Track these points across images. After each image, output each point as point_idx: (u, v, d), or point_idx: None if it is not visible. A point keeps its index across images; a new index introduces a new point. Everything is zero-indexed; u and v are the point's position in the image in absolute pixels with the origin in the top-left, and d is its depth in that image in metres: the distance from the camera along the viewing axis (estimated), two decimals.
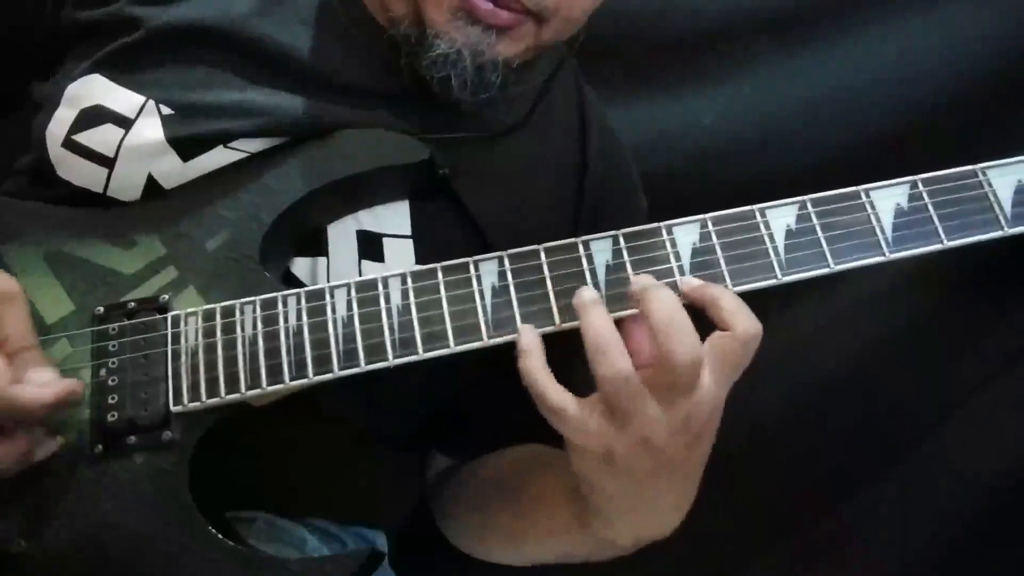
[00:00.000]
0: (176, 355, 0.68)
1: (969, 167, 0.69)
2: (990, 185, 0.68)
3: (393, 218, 0.76)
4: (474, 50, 0.72)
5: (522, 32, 0.74)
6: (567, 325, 0.65)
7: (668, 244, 0.67)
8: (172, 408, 0.67)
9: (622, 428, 0.60)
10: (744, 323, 0.61)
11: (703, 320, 0.62)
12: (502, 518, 0.82)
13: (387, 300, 0.67)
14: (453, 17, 0.71)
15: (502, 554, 0.85)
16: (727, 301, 0.62)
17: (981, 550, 1.17)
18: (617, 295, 0.66)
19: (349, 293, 0.68)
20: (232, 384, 0.66)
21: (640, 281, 0.62)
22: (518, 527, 0.81)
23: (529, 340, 0.62)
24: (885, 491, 1.18)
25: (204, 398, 0.66)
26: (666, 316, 0.59)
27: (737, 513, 1.17)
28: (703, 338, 0.60)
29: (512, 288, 0.67)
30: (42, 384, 0.61)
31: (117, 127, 0.74)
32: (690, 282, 0.65)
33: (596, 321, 0.60)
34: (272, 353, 0.67)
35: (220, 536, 0.65)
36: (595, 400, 0.61)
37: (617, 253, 0.67)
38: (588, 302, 0.62)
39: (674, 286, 0.66)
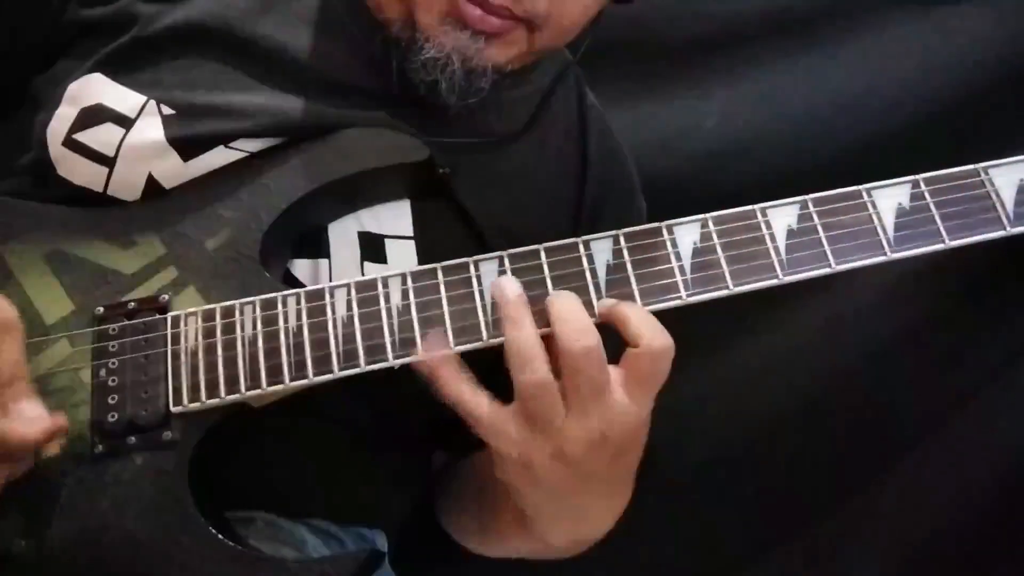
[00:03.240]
0: (176, 355, 0.68)
1: (971, 166, 0.69)
2: (992, 184, 0.68)
3: (395, 219, 0.76)
4: (463, 55, 0.72)
5: (513, 39, 0.74)
6: None
7: (669, 244, 0.67)
8: (172, 408, 0.66)
9: (539, 436, 0.61)
10: (650, 338, 0.62)
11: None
12: (470, 515, 0.86)
13: (387, 300, 0.67)
14: (442, 22, 0.72)
15: (476, 547, 0.88)
16: (635, 317, 0.63)
17: (981, 550, 1.17)
18: (618, 295, 0.66)
19: (349, 293, 0.68)
20: (232, 384, 0.66)
21: (505, 291, 0.63)
22: (479, 524, 0.84)
23: (440, 353, 0.63)
24: (885, 491, 1.18)
25: (204, 398, 0.66)
26: (561, 310, 0.61)
27: (737, 513, 1.17)
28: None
29: None
30: (29, 420, 0.60)
31: (118, 126, 0.74)
32: (604, 303, 0.65)
33: (521, 325, 0.62)
34: (272, 353, 0.67)
35: (220, 536, 0.65)
36: (514, 408, 0.62)
37: (617, 253, 0.67)
38: (514, 301, 0.63)
39: (674, 287, 0.66)
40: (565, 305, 0.62)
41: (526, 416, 0.61)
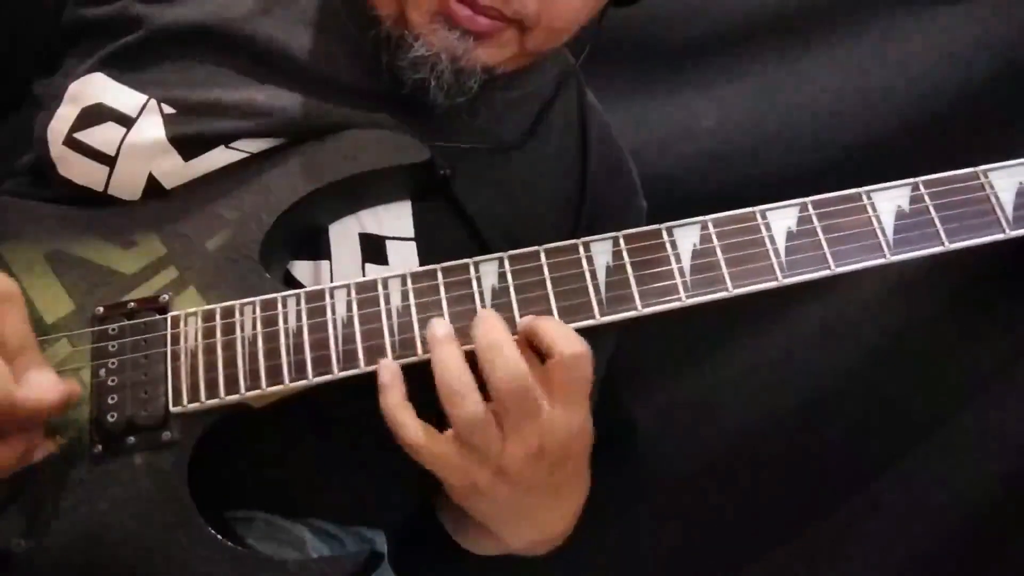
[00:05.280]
0: (176, 355, 0.68)
1: (971, 169, 0.69)
2: (991, 187, 0.68)
3: (395, 220, 0.76)
4: (452, 55, 0.72)
5: (503, 40, 0.74)
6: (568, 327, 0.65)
7: (669, 246, 0.67)
8: (171, 408, 0.67)
9: (478, 461, 0.62)
10: (563, 346, 0.62)
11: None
12: (455, 515, 0.87)
13: (387, 301, 0.67)
14: (432, 20, 0.72)
15: (463, 545, 0.89)
16: (547, 329, 0.64)
17: (981, 550, 1.17)
18: (617, 297, 0.66)
19: (349, 294, 0.68)
20: (231, 385, 0.66)
21: (433, 330, 0.64)
22: (464, 524, 0.85)
23: (388, 376, 0.64)
24: (885, 491, 1.18)
25: (203, 399, 0.66)
26: (485, 342, 0.62)
27: (737, 513, 1.17)
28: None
29: (512, 289, 0.67)
30: (43, 387, 0.60)
31: (119, 126, 0.74)
32: (522, 320, 0.66)
33: (449, 361, 0.62)
34: (271, 354, 0.67)
35: (219, 536, 0.65)
36: (451, 436, 0.63)
37: (617, 255, 0.67)
38: (441, 338, 0.63)
39: (674, 288, 0.66)
40: (487, 338, 0.62)
41: (464, 445, 0.62)
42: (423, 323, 0.66)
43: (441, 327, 0.64)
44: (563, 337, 0.63)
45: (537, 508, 0.69)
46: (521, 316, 0.66)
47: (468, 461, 0.63)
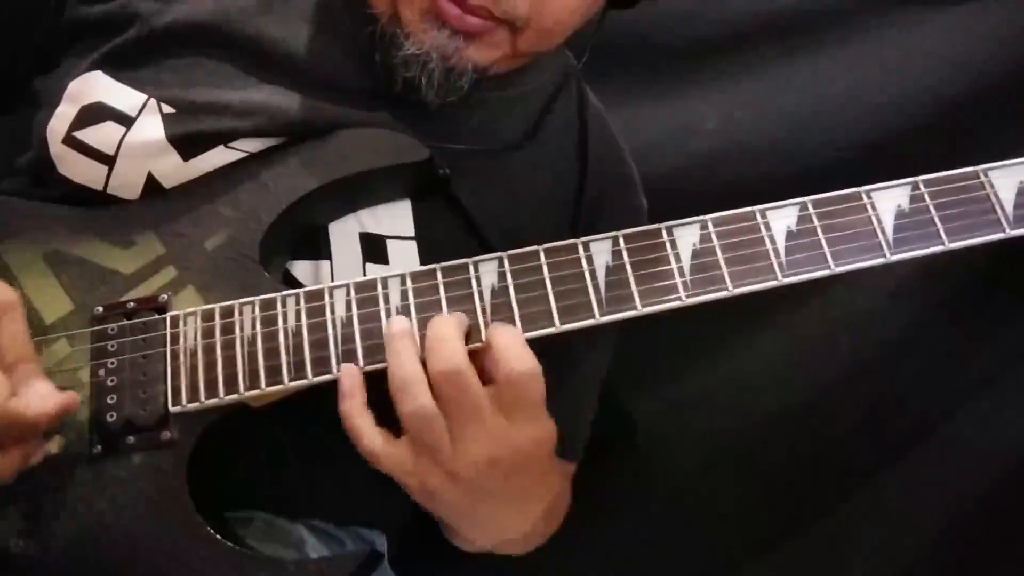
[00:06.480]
0: (175, 355, 0.68)
1: (971, 168, 0.68)
2: (992, 186, 0.68)
3: (396, 220, 0.76)
4: (443, 54, 0.73)
5: (495, 40, 0.74)
6: (566, 327, 0.65)
7: (668, 245, 0.67)
8: (171, 408, 0.67)
9: (431, 463, 0.63)
10: (506, 365, 0.63)
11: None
12: None
13: (386, 301, 0.67)
14: (423, 19, 0.72)
15: (449, 539, 0.89)
16: (498, 342, 0.64)
17: (982, 550, 1.16)
18: (617, 296, 0.66)
19: (348, 293, 0.68)
20: (231, 384, 0.66)
21: (390, 326, 0.65)
22: None
23: (350, 383, 0.65)
24: (885, 491, 1.17)
25: (203, 398, 0.66)
26: (432, 334, 0.64)
27: (737, 513, 1.17)
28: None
29: (512, 289, 0.67)
30: (41, 397, 0.61)
31: (118, 125, 0.74)
32: (489, 328, 0.66)
33: (402, 356, 0.63)
34: (271, 353, 0.67)
35: (218, 536, 0.66)
36: (405, 440, 0.64)
37: (617, 254, 0.67)
38: (396, 334, 0.64)
39: (674, 288, 0.66)
40: (436, 332, 0.64)
41: (417, 445, 0.63)
42: (423, 323, 0.66)
43: (399, 323, 0.65)
44: (512, 354, 0.63)
45: (496, 512, 0.70)
46: (521, 315, 0.66)
47: (421, 463, 0.64)
